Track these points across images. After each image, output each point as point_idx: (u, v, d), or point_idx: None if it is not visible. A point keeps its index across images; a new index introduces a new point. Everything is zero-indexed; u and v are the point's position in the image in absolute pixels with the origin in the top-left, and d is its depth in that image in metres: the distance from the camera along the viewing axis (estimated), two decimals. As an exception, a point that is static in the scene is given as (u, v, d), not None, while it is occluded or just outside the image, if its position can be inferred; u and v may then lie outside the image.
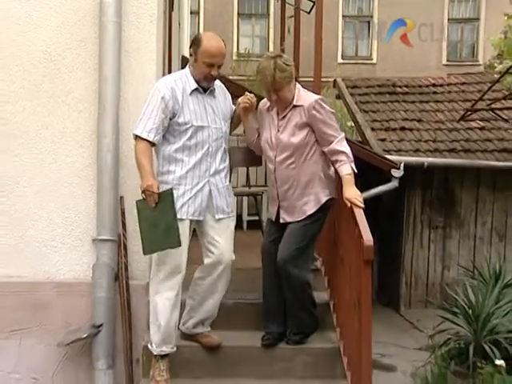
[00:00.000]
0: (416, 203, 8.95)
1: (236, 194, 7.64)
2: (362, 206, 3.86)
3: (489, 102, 8.96)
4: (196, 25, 19.19)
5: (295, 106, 4.11)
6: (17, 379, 4.48)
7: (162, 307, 4.00)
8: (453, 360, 5.20)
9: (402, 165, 8.05)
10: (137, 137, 3.92)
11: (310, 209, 4.13)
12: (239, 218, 8.13)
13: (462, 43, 21.71)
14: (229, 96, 4.32)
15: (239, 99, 4.21)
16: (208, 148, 4.04)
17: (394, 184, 8.05)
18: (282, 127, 4.16)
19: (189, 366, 4.21)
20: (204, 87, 4.05)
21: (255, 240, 6.45)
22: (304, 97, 4.13)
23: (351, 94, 10.55)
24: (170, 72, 5.87)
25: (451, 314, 5.42)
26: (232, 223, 4.23)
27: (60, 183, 4.56)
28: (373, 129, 9.36)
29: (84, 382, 4.47)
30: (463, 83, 11.22)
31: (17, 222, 4.56)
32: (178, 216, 3.89)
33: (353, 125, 10.74)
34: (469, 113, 9.29)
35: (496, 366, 4.74)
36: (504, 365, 4.73)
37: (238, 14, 21.09)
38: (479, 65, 19.41)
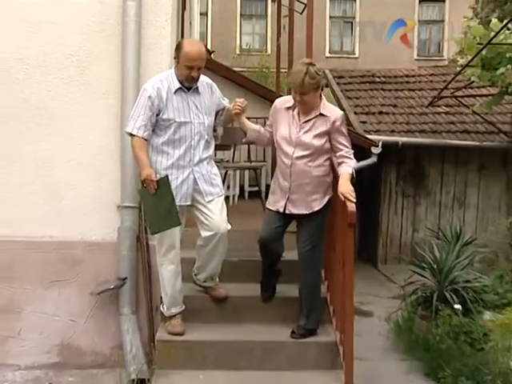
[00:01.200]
0: (391, 176, 8.96)
1: (238, 168, 7.66)
2: (354, 200, 3.70)
3: (452, 90, 8.94)
4: (204, 24, 19.03)
5: (321, 115, 3.93)
6: (57, 321, 4.51)
7: (167, 279, 4.01)
8: (420, 306, 5.26)
9: (380, 143, 8.09)
10: (130, 134, 3.85)
11: (317, 206, 3.97)
12: (241, 188, 8.12)
13: (429, 41, 21.77)
14: (216, 90, 4.10)
15: (230, 106, 4.06)
16: (191, 141, 3.90)
17: (373, 160, 8.09)
18: (305, 129, 3.94)
19: (200, 313, 4.20)
20: (187, 86, 3.88)
21: (255, 207, 6.47)
22: (329, 109, 3.98)
23: (337, 83, 10.53)
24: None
25: (420, 268, 5.45)
26: (221, 199, 4.07)
27: (90, 159, 4.53)
28: (355, 113, 9.36)
29: (112, 325, 4.48)
30: (431, 74, 11.24)
31: (55, 191, 4.55)
32: None
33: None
34: (436, 99, 9.29)
35: (454, 309, 4.82)
36: (460, 308, 4.84)
37: (241, 14, 20.94)
38: (444, 59, 19.60)
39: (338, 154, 3.97)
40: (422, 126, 9.04)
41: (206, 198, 3.97)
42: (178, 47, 3.85)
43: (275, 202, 4.07)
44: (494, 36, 6.86)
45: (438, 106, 9.56)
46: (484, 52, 7.21)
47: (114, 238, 4.49)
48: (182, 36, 6.40)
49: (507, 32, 7.06)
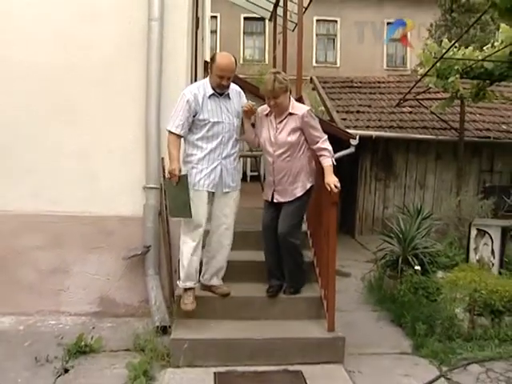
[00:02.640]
0: (367, 163, 8.94)
1: (242, 156, 7.61)
2: (339, 189, 3.63)
3: (414, 94, 8.90)
4: (214, 40, 18.91)
5: (291, 114, 3.79)
6: (97, 279, 4.50)
7: (186, 253, 3.82)
8: (388, 268, 5.25)
9: (358, 136, 8.07)
10: (169, 131, 3.74)
11: (299, 192, 3.85)
12: (244, 173, 8.10)
13: (396, 55, 21.62)
14: (243, 97, 3.98)
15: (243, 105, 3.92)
16: (221, 138, 3.78)
17: (351, 150, 8.06)
18: (280, 129, 3.82)
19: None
20: (219, 92, 3.79)
21: (255, 189, 6.44)
22: (298, 107, 3.83)
23: (322, 87, 10.47)
24: (195, 71, 5.72)
25: (388, 237, 5.41)
26: (235, 194, 3.93)
27: (120, 149, 4.46)
28: (337, 111, 9.31)
29: (140, 283, 4.46)
30: (398, 81, 11.22)
31: (92, 176, 4.49)
32: (197, 188, 3.74)
33: (323, 109, 10.73)
34: (401, 101, 9.25)
35: (415, 270, 4.82)
36: (419, 269, 4.83)
37: (244, 32, 20.91)
38: (408, 70, 19.52)
39: (315, 146, 3.83)
40: (391, 123, 9.00)
41: (224, 190, 3.84)
42: (212, 59, 3.74)
43: (266, 194, 4.01)
44: (445, 52, 6.90)
45: (404, 107, 9.52)
46: (438, 64, 7.26)
47: (140, 214, 4.44)
48: (196, 49, 6.31)
49: (455, 50, 7.13)
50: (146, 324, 4.07)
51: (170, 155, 3.71)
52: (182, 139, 3.80)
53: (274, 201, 3.93)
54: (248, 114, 3.92)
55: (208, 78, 3.83)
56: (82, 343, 3.77)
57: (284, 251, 3.98)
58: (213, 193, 3.85)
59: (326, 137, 3.85)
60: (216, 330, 3.76)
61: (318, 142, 3.82)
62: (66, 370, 3.51)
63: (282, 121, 3.83)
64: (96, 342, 3.83)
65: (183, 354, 3.55)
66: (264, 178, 7.34)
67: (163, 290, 4.39)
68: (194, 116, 3.74)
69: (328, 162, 3.76)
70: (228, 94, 3.85)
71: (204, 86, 3.80)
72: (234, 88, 3.91)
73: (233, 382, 3.39)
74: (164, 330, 4.01)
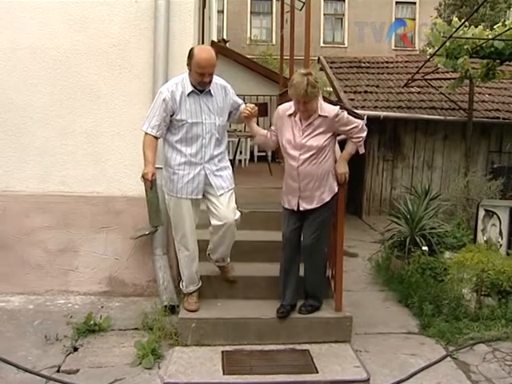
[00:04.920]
0: (374, 144, 8.85)
1: (249, 137, 7.55)
2: (344, 182, 3.61)
3: (423, 74, 8.74)
4: (221, 19, 18.74)
5: (320, 116, 3.48)
6: (105, 259, 4.50)
7: (184, 263, 3.70)
8: (395, 248, 5.22)
9: (365, 117, 7.96)
10: (144, 132, 3.47)
11: (327, 197, 3.56)
12: (252, 153, 8.05)
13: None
14: (230, 91, 3.62)
15: (241, 107, 3.64)
16: (202, 140, 3.47)
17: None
18: (307, 132, 3.49)
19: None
20: (199, 89, 3.46)
21: (263, 169, 6.40)
22: (326, 109, 3.51)
23: (330, 68, 10.32)
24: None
25: (396, 218, 5.37)
26: (231, 192, 3.63)
27: (127, 129, 4.42)
28: (345, 91, 9.18)
29: (148, 263, 4.46)
30: (406, 61, 10.98)
31: (99, 156, 4.46)
32: (179, 195, 3.54)
33: (331, 89, 10.60)
34: (410, 82, 9.09)
35: (422, 250, 4.79)
36: (427, 249, 4.81)
37: (251, 12, 20.83)
38: (416, 50, 19.30)
39: (349, 138, 3.64)
40: (399, 103, 8.86)
41: (218, 192, 3.56)
42: (190, 55, 3.38)
43: (289, 202, 3.66)
44: (455, 31, 6.73)
45: (412, 87, 9.36)
46: (447, 44, 7.07)
47: (148, 194, 4.42)
48: (203, 28, 6.23)
49: (465, 29, 6.95)
50: (154, 303, 4.07)
51: (145, 157, 3.45)
52: (161, 139, 3.57)
53: (301, 209, 3.61)
54: (249, 118, 3.63)
55: (188, 73, 3.49)
56: (91, 322, 3.78)
57: (307, 265, 3.73)
58: (202, 198, 3.62)
59: (360, 125, 3.60)
60: (223, 309, 3.75)
61: (351, 133, 3.61)
62: (76, 349, 3.54)
63: (310, 124, 3.52)
64: (105, 321, 3.85)
65: (191, 333, 3.56)
66: (271, 159, 7.30)
67: (171, 270, 4.38)
68: (171, 115, 3.45)
69: (351, 148, 3.63)
70: (210, 91, 3.50)
71: (183, 82, 3.46)
72: (217, 82, 3.55)
73: (240, 361, 3.38)
74: (172, 310, 4.01)
